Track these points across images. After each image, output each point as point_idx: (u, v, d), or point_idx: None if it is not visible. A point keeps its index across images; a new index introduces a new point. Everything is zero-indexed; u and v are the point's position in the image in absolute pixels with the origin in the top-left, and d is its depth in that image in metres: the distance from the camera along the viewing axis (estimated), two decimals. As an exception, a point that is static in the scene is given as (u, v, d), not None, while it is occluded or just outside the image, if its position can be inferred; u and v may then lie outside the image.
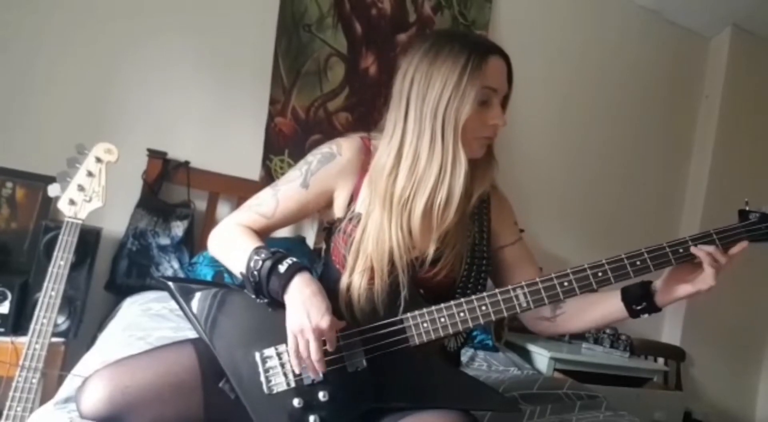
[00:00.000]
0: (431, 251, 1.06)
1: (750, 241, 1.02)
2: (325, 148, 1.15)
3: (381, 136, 1.12)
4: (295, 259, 1.00)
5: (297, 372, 0.98)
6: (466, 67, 1.02)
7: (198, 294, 1.06)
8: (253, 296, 1.02)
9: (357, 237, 1.06)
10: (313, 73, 2.53)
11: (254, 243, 1.05)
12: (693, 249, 1.00)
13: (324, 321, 0.93)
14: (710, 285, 0.99)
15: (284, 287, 0.96)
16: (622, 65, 3.24)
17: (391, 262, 1.03)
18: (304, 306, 0.94)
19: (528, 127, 2.89)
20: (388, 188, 1.06)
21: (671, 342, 3.25)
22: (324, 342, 0.95)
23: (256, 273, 0.98)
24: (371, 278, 1.03)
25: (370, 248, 1.04)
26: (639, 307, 1.05)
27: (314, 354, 0.93)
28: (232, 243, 1.08)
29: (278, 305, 0.99)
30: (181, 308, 1.07)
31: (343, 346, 1.00)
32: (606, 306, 1.09)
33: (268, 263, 0.98)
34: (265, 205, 1.13)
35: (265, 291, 0.99)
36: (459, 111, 1.03)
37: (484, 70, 1.04)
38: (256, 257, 0.99)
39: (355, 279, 1.03)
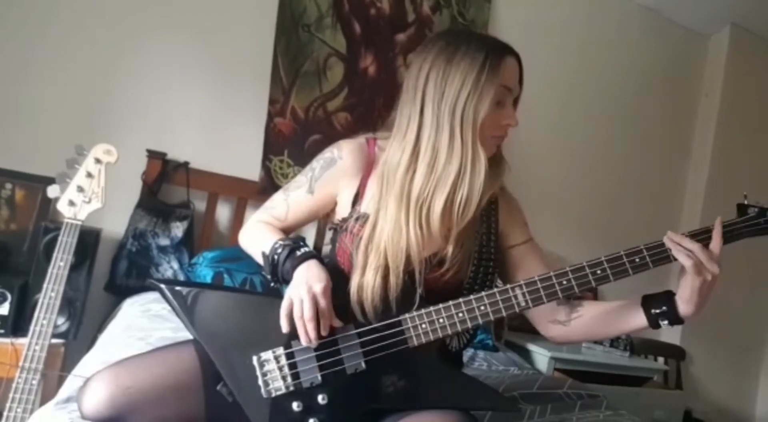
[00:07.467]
0: (450, 249, 1.06)
1: (749, 236, 1.02)
2: (327, 153, 1.17)
3: (388, 134, 1.12)
4: (312, 249, 1.05)
5: (285, 330, 0.98)
6: (485, 65, 1.03)
7: (192, 297, 1.04)
8: (269, 278, 1.07)
9: (366, 234, 1.06)
10: (312, 73, 2.52)
11: (279, 235, 1.12)
12: (664, 239, 0.97)
13: (318, 286, 0.97)
14: (713, 273, 0.94)
15: (294, 268, 1.01)
16: (621, 64, 3.24)
17: (407, 259, 1.03)
18: (305, 277, 0.99)
19: (527, 127, 2.84)
20: (405, 186, 1.05)
21: (671, 341, 3.25)
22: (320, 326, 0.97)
23: (276, 256, 1.05)
24: (385, 276, 1.03)
25: (384, 245, 1.03)
26: (658, 311, 1.00)
27: (307, 313, 0.95)
28: (259, 236, 1.15)
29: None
30: (174, 311, 1.05)
31: (342, 348, 0.99)
32: (624, 311, 1.05)
33: (288, 248, 1.04)
34: (278, 209, 1.20)
35: (280, 274, 1.04)
36: (477, 109, 1.03)
37: (502, 70, 1.04)
38: (280, 242, 1.07)
39: (368, 277, 1.03)
